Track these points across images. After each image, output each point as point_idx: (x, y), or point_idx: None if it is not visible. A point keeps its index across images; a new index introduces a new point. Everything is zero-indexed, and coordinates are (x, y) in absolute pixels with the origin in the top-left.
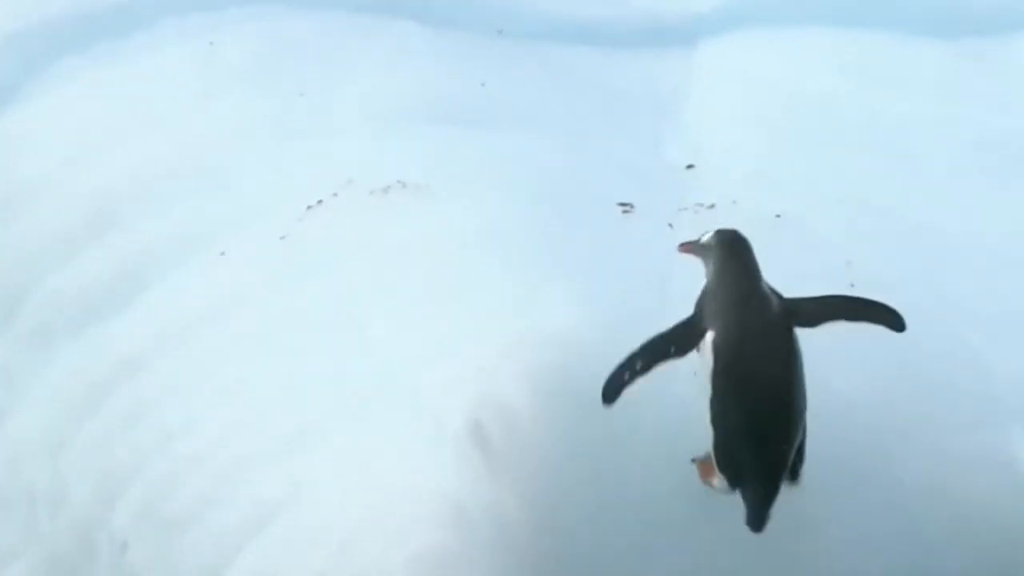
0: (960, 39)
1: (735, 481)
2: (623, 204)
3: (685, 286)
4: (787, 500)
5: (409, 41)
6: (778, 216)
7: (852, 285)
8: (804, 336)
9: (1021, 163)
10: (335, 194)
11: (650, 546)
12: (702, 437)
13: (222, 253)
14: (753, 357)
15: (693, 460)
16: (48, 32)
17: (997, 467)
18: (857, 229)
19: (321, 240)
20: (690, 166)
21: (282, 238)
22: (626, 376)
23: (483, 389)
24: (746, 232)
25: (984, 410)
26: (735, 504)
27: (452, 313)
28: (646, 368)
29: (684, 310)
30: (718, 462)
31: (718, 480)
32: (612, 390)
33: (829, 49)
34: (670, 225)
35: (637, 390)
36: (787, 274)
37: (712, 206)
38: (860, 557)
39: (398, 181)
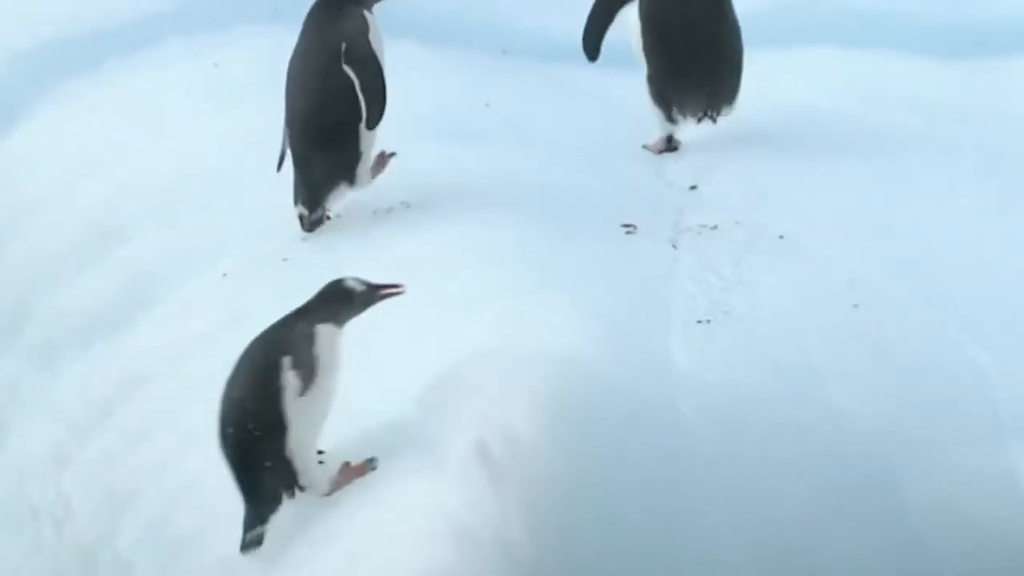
0: (961, 59)
1: (670, 113)
2: (626, 225)
3: (688, 305)
4: (791, 510)
5: (413, 61)
6: (781, 237)
7: (856, 305)
8: (808, 353)
9: (1022, 182)
10: (338, 215)
11: (654, 563)
12: None
13: (224, 274)
14: None
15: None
16: (56, 51)
17: (1000, 483)
18: (860, 248)
19: (324, 261)
20: (693, 187)
21: (284, 260)
22: (596, 29)
23: (485, 407)
24: (750, 253)
25: (987, 426)
26: (745, 528)
27: (454, 332)
28: (609, 18)
29: (687, 329)
30: (653, 97)
31: (659, 128)
32: (591, 46)
33: (832, 69)
34: (673, 246)
35: (636, 407)
36: (790, 295)
37: (715, 227)
38: (861, 572)
39: (401, 202)
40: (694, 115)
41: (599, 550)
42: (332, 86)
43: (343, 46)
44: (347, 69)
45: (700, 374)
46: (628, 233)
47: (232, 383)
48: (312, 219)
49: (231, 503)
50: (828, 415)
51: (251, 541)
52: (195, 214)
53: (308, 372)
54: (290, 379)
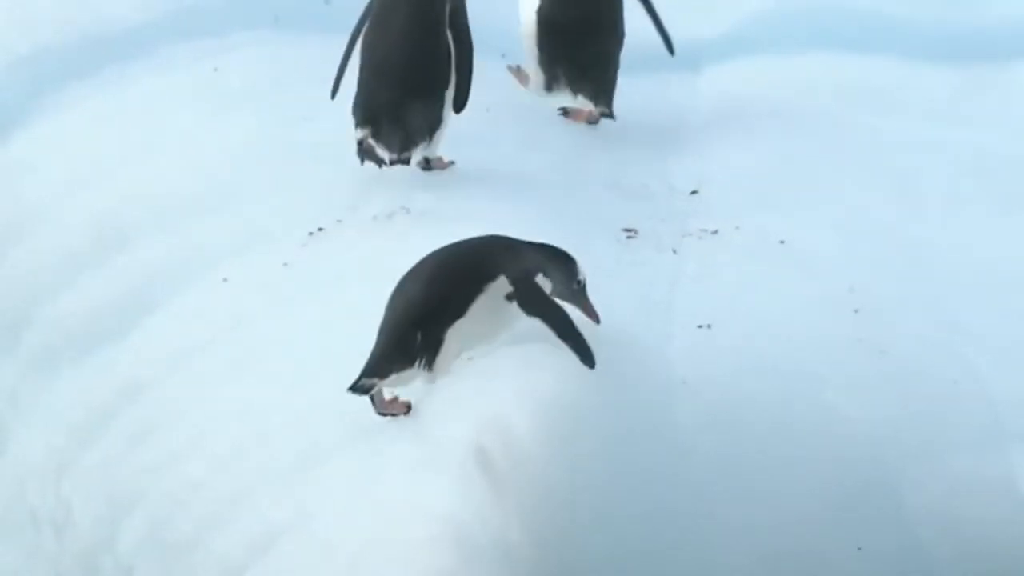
0: (959, 65)
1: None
2: (627, 230)
3: (689, 310)
4: (792, 516)
5: None
6: (782, 242)
7: (856, 311)
8: (808, 359)
9: (1022, 187)
10: (339, 220)
11: (654, 567)
12: None
13: (225, 279)
14: None
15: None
16: (56, 56)
17: (1000, 489)
18: (860, 254)
19: (324, 267)
20: (694, 192)
21: (285, 264)
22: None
23: (485, 411)
24: (750, 258)
25: (987, 432)
26: (746, 535)
27: None
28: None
29: (688, 334)
30: (542, 64)
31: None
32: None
33: (832, 75)
34: (674, 251)
35: (636, 411)
36: (790, 300)
37: (716, 232)
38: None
39: (402, 207)
40: (575, 92)
41: (599, 554)
42: (433, 45)
43: (447, 8)
44: (449, 34)
45: (700, 379)
46: (629, 238)
47: (445, 259)
48: (398, 159)
49: (231, 507)
50: (828, 420)
51: (360, 387)
52: (195, 219)
53: (511, 297)
54: (496, 290)
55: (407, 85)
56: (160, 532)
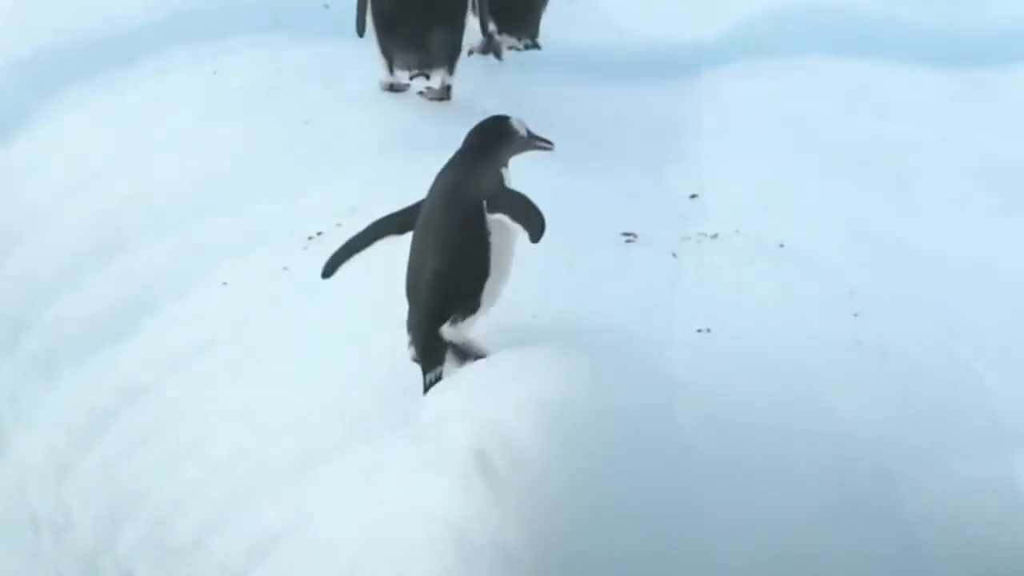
0: (960, 68)
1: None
2: (627, 234)
3: (689, 313)
4: (792, 517)
5: None
6: (781, 246)
7: (856, 314)
8: (808, 362)
9: (1022, 189)
10: (338, 224)
11: (654, 572)
12: None
13: (224, 283)
14: None
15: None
16: (56, 59)
17: (999, 493)
18: (860, 257)
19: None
20: (693, 195)
21: (285, 268)
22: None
23: (485, 415)
24: (750, 262)
25: (986, 436)
26: (746, 535)
27: None
28: None
29: (688, 337)
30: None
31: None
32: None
33: (831, 78)
34: (674, 255)
35: (636, 415)
36: (790, 302)
37: (715, 235)
38: None
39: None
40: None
41: (599, 556)
42: None
43: None
44: None
45: (700, 383)
46: (628, 242)
47: (430, 235)
48: (419, 73)
49: (231, 509)
50: (827, 423)
51: (431, 382)
52: (195, 222)
53: (504, 216)
54: (494, 223)
55: (432, 9)
56: (160, 534)
